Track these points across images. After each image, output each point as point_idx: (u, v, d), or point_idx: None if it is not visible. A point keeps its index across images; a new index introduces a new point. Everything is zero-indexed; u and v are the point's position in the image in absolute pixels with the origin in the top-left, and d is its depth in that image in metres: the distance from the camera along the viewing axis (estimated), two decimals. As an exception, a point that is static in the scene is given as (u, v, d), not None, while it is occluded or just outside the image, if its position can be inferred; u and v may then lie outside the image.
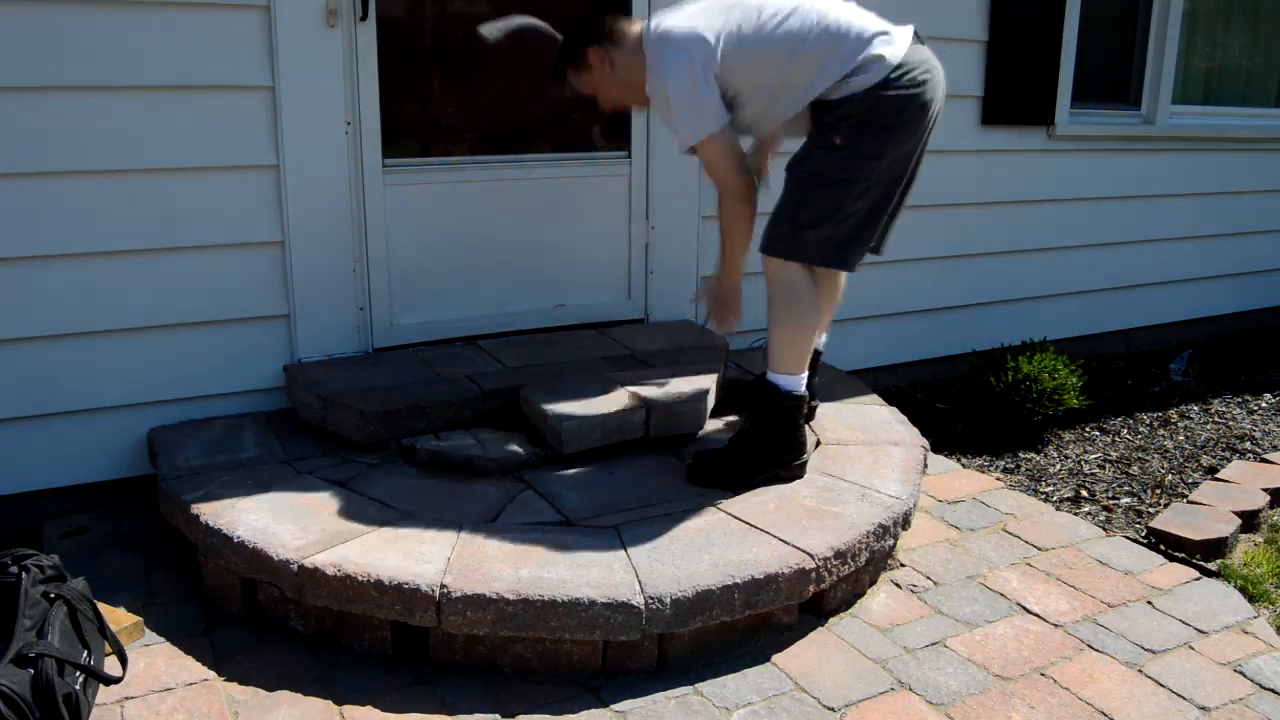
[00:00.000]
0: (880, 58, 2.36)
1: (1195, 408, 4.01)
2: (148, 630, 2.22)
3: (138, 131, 2.66)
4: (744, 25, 2.43)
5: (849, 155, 2.39)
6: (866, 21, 2.43)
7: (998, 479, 3.20)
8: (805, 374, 2.56)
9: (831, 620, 2.34)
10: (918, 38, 2.49)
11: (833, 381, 3.35)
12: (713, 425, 2.93)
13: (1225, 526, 2.79)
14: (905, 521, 2.52)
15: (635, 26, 2.58)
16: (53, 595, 1.88)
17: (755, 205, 2.55)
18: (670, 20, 2.49)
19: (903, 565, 2.60)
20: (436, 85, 3.13)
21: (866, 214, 2.47)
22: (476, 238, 3.22)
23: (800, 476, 2.60)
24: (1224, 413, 3.96)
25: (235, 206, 2.81)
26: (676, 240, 3.48)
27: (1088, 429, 3.72)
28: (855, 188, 2.41)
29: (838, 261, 2.51)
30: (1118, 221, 4.51)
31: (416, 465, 2.64)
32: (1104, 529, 2.86)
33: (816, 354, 2.92)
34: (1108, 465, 3.38)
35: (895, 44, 2.39)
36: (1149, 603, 2.46)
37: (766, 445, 2.56)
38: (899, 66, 2.36)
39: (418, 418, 2.73)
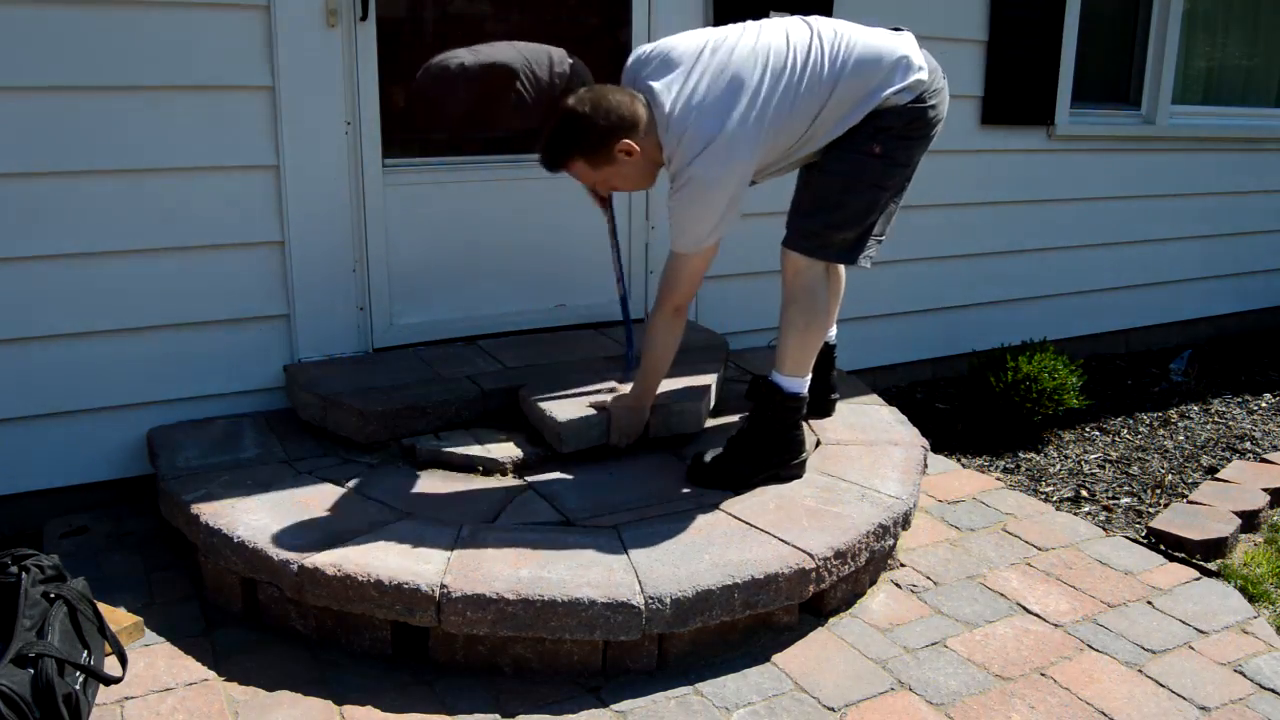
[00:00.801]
0: (912, 82, 2.36)
1: (1195, 408, 4.01)
2: (148, 630, 2.22)
3: (137, 131, 2.66)
4: (772, 85, 2.31)
5: (888, 164, 2.42)
6: (889, 46, 2.38)
7: (998, 479, 3.20)
8: (809, 376, 2.57)
9: (831, 620, 2.34)
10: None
11: (833, 381, 3.35)
12: (711, 423, 2.93)
13: (1225, 526, 2.79)
14: (905, 521, 2.52)
15: (640, 104, 2.36)
16: (53, 595, 1.88)
17: (683, 327, 2.57)
18: (701, 95, 2.30)
19: (903, 565, 2.60)
20: (436, 85, 3.13)
21: (883, 216, 2.54)
22: (476, 238, 3.22)
23: (800, 476, 2.60)
24: (1224, 413, 3.96)
25: (235, 206, 2.81)
26: (676, 240, 3.48)
27: (1088, 429, 3.72)
28: (886, 193, 2.47)
29: (851, 259, 2.54)
30: (1118, 221, 4.51)
31: (416, 465, 2.64)
32: (1104, 529, 2.86)
33: (830, 346, 2.96)
34: (1108, 465, 3.38)
35: (915, 61, 2.38)
36: (1149, 603, 2.46)
37: (766, 445, 2.56)
38: (924, 80, 2.39)
39: (418, 418, 2.73)
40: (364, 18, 2.88)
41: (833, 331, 2.97)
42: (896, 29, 2.48)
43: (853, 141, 2.40)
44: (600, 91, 2.38)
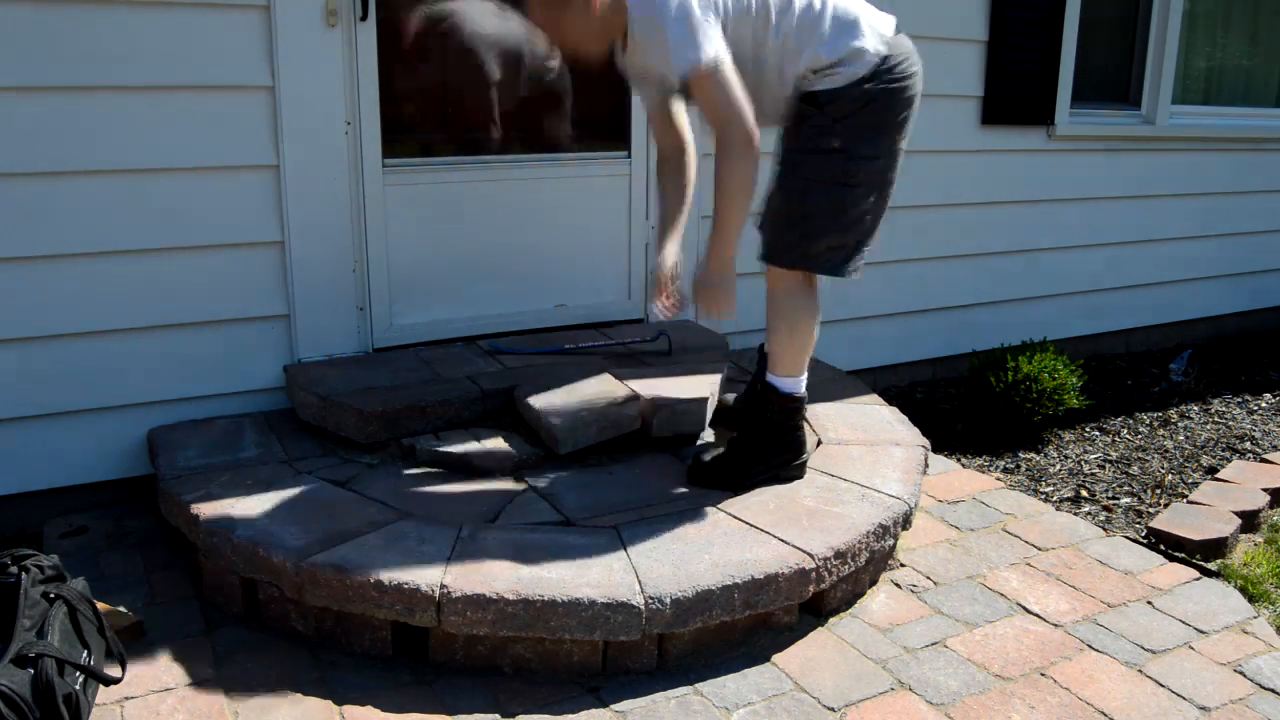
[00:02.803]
0: (864, 51, 2.26)
1: (1195, 408, 4.01)
2: (148, 630, 2.22)
3: (138, 131, 2.66)
4: None
5: (848, 158, 2.32)
6: (852, 7, 2.32)
7: (998, 479, 3.20)
8: (805, 375, 2.56)
9: (831, 620, 2.34)
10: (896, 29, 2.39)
11: (833, 381, 3.35)
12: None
13: (1225, 526, 2.79)
14: (906, 521, 2.52)
15: None
16: (53, 595, 1.88)
17: (759, 162, 2.26)
18: None
19: (903, 565, 2.60)
20: (437, 85, 3.13)
21: (869, 217, 2.42)
22: (477, 238, 3.22)
23: (800, 476, 2.60)
24: (1224, 413, 3.96)
25: (235, 206, 2.81)
26: (676, 240, 3.48)
27: (1088, 429, 3.72)
28: (856, 190, 2.36)
29: (840, 270, 2.42)
30: (1118, 221, 4.51)
31: (416, 465, 2.64)
32: (1104, 529, 2.86)
33: None
34: (1108, 465, 3.38)
35: (881, 32, 2.30)
36: (1149, 603, 2.46)
37: (766, 446, 2.56)
38: (887, 58, 2.28)
39: (418, 418, 2.73)
40: (364, 18, 2.88)
41: None
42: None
43: (811, 138, 2.32)
44: None
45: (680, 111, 2.64)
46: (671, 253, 2.58)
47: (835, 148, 2.30)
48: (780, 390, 2.53)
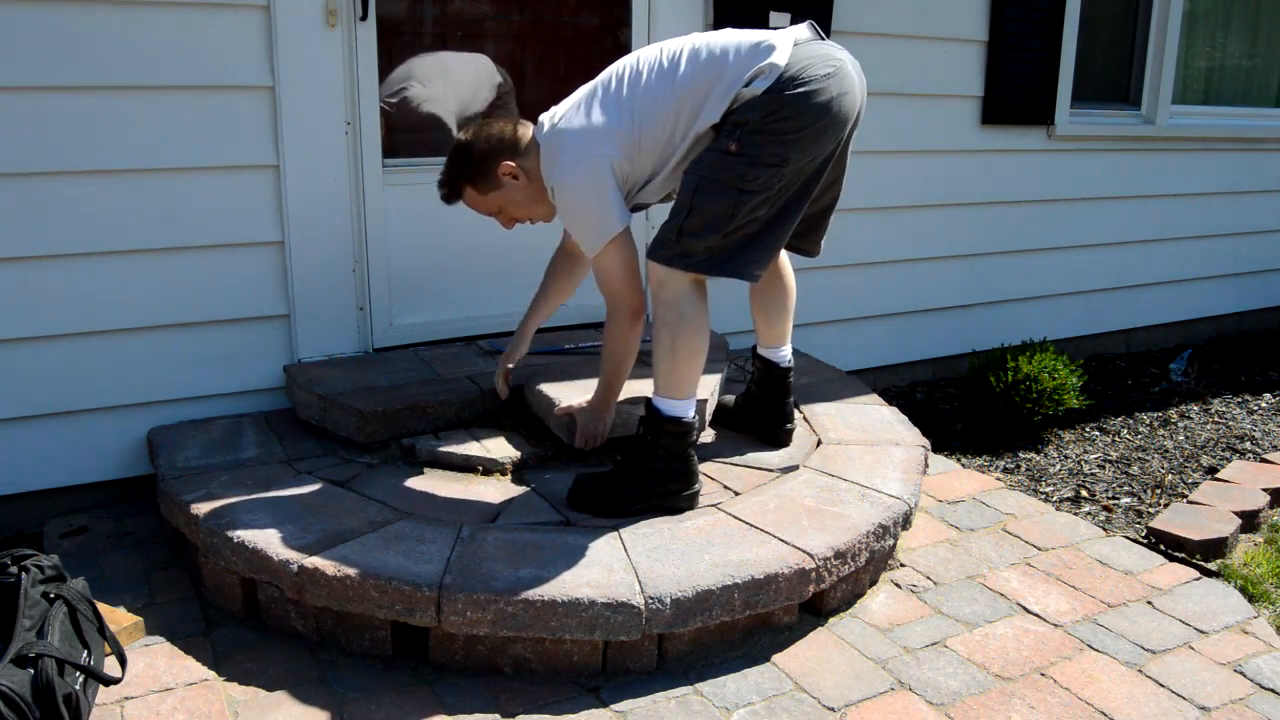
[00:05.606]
0: (768, 67, 2.20)
1: (1195, 408, 4.01)
2: (148, 630, 2.22)
3: (138, 132, 2.66)
4: (619, 87, 2.32)
5: (746, 162, 2.20)
6: (744, 39, 2.26)
7: (998, 479, 3.20)
8: (694, 399, 2.36)
9: (831, 620, 2.34)
10: (818, 34, 2.32)
11: (833, 381, 3.35)
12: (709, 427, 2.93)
13: (1225, 526, 2.79)
14: (906, 521, 2.52)
15: (527, 129, 2.42)
16: (53, 595, 1.88)
17: (641, 330, 2.43)
18: (561, 112, 2.38)
19: (903, 565, 2.60)
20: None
21: (770, 221, 2.29)
22: (476, 238, 3.21)
23: (690, 508, 2.40)
24: (1224, 413, 3.96)
25: (235, 206, 2.81)
26: (676, 240, 3.48)
27: (1088, 429, 3.72)
28: (752, 196, 2.22)
29: (732, 271, 2.30)
30: (1118, 221, 4.51)
31: (417, 465, 2.64)
32: (1104, 529, 2.86)
33: (784, 370, 2.76)
34: (1108, 465, 3.38)
35: (780, 49, 2.22)
36: (1149, 603, 2.46)
37: (649, 473, 2.37)
38: (788, 67, 2.19)
39: (418, 418, 2.73)
40: (364, 18, 2.88)
41: (784, 352, 2.75)
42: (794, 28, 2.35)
43: (713, 140, 2.27)
44: (486, 121, 2.47)
45: None
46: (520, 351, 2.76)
47: (732, 150, 2.21)
48: (663, 413, 2.32)
